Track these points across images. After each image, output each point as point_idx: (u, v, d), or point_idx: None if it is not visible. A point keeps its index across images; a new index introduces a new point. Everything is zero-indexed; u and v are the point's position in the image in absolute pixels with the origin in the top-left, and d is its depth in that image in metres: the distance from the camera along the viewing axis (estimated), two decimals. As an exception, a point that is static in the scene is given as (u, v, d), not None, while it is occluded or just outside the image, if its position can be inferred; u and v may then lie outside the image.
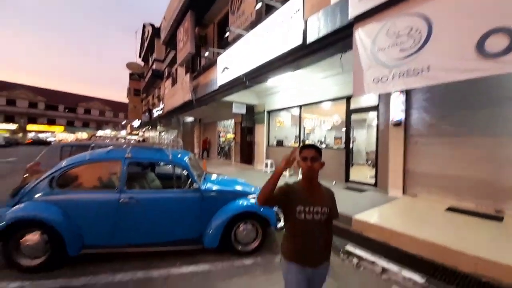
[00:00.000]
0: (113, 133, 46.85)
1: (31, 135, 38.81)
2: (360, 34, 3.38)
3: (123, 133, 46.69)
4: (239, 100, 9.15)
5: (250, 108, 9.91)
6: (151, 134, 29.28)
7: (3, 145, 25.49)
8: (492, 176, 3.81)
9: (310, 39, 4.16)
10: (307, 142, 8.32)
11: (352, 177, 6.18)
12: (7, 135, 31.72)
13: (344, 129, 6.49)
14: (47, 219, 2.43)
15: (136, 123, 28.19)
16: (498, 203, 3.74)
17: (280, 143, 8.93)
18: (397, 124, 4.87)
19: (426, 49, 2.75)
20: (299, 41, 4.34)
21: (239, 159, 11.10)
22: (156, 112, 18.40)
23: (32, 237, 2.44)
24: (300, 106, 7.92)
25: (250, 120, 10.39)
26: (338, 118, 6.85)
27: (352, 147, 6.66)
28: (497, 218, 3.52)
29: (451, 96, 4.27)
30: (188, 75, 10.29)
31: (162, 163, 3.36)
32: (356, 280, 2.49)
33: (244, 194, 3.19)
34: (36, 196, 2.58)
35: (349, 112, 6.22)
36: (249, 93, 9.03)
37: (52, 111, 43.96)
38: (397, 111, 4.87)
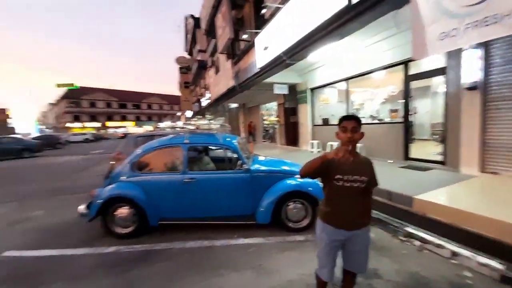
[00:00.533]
0: (171, 124, 52.54)
1: (120, 130, 46.78)
2: (419, -17, 2.85)
3: (179, 123, 51.66)
4: (280, 81, 8.98)
5: (292, 88, 9.63)
6: (202, 122, 31.59)
7: (92, 140, 31.58)
8: None
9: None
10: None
11: (413, 154, 5.52)
12: (94, 132, 38.97)
13: (401, 100, 5.73)
14: (132, 196, 3.01)
15: (189, 113, 30.77)
16: None
17: (326, 122, 8.52)
18: (472, 87, 4.05)
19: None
20: (343, 2, 3.89)
21: (284, 141, 11.11)
22: (204, 101, 19.67)
23: (123, 211, 3.09)
24: (347, 80, 7.28)
25: (292, 100, 10.14)
26: (394, 88, 6.05)
27: (412, 120, 5.84)
28: None
29: None
30: (229, 61, 10.54)
31: (214, 147, 3.67)
32: (419, 263, 2.33)
33: (291, 174, 3.26)
34: (122, 178, 3.20)
35: (407, 79, 5.43)
36: (290, 72, 8.71)
37: (123, 109, 51.70)
38: (471, 72, 4.03)
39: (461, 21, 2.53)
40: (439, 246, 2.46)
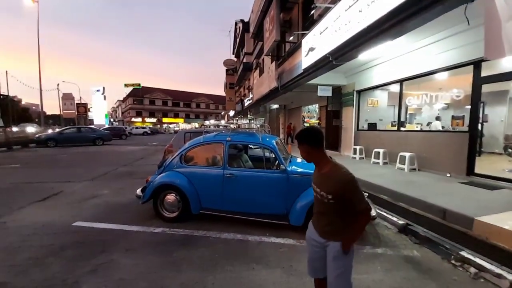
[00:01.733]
0: (215, 122, 55.83)
1: (172, 126, 52.31)
2: (498, -28, 2.45)
3: (222, 122, 54.77)
4: (325, 82, 8.70)
5: (336, 90, 9.26)
6: (243, 122, 32.71)
7: (149, 133, 35.74)
8: None
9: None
10: (408, 124, 6.93)
11: (479, 169, 4.73)
12: (151, 126, 44.09)
13: (468, 106, 4.96)
14: (179, 185, 3.36)
15: (232, 113, 32.18)
16: None
17: (372, 127, 7.91)
18: None
19: None
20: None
21: (324, 145, 10.70)
22: (246, 102, 20.32)
23: (170, 197, 3.47)
24: (401, 81, 6.63)
25: (336, 103, 9.72)
26: (459, 92, 5.27)
27: (481, 130, 5.00)
28: None
29: None
30: (273, 63, 10.67)
31: (254, 146, 3.82)
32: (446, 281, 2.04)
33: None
34: (172, 168, 3.60)
35: (478, 82, 4.67)
36: (336, 73, 8.41)
37: (176, 107, 57.22)
38: None
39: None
40: (499, 276, 2.09)
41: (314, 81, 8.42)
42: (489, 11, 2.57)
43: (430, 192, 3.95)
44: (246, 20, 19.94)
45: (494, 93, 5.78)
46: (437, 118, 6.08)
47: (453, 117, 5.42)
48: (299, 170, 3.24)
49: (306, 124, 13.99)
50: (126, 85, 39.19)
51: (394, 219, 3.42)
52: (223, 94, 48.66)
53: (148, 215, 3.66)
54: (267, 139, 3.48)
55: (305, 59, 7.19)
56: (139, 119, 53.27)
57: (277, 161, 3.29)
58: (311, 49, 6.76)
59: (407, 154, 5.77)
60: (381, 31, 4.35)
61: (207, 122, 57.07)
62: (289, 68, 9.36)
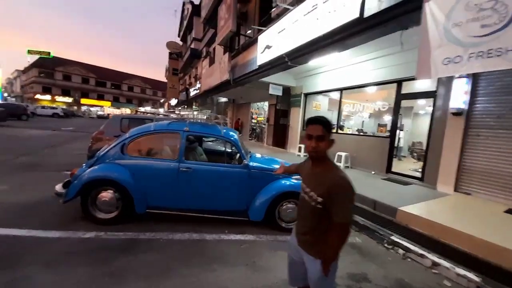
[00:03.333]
0: (152, 109, 50.45)
1: (94, 109, 43.65)
2: (432, 7, 2.99)
3: (161, 110, 49.95)
4: (276, 82, 9.02)
5: (286, 90, 9.72)
6: (187, 113, 30.73)
7: (62, 116, 29.02)
8: None
9: (369, 12, 3.76)
10: (345, 128, 7.98)
11: (394, 168, 5.84)
12: (64, 107, 35.94)
13: (389, 116, 6.04)
14: (120, 179, 2.80)
15: (173, 101, 29.70)
16: None
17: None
18: (458, 113, 4.38)
19: (514, 26, 2.35)
20: (355, 14, 3.95)
21: (271, 141, 11.17)
22: (193, 91, 19.10)
23: (107, 194, 2.86)
24: (341, 90, 7.51)
25: (285, 102, 10.23)
26: (385, 104, 6.35)
27: (399, 137, 6.19)
28: None
29: None
30: (227, 54, 10.32)
31: (214, 138, 3.55)
32: (403, 270, 2.45)
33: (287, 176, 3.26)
34: (109, 160, 2.96)
35: (399, 98, 5.73)
36: (287, 74, 8.82)
37: (101, 87, 48.34)
38: (459, 99, 4.35)
39: (466, 50, 2.70)
40: (421, 255, 2.61)
41: (266, 79, 8.60)
42: (423, 39, 3.11)
43: (362, 187, 4.61)
44: (196, 2, 18.62)
45: (403, 108, 7.24)
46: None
47: (379, 125, 6.51)
48: (261, 165, 3.19)
49: (253, 121, 14.26)
50: (30, 52, 30.47)
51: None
52: (164, 79, 44.38)
53: (70, 217, 2.95)
54: (228, 132, 3.29)
55: (261, 55, 7.21)
56: (47, 97, 42.22)
57: (238, 156, 3.16)
58: (268, 47, 6.83)
59: (343, 154, 6.59)
60: (333, 42, 4.74)
61: (142, 109, 50.92)
62: (243, 62, 9.24)
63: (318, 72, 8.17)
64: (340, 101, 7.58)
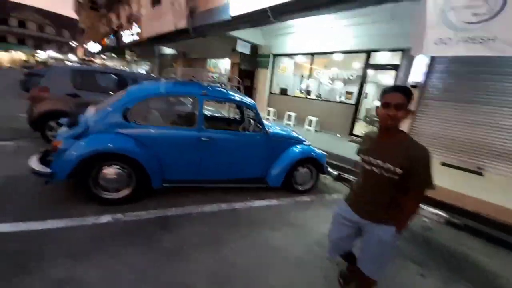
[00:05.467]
0: (58, 55, 39.04)
1: None
2: (435, -12, 3.26)
3: (71, 57, 39.15)
4: (244, 38, 8.35)
5: (253, 49, 9.18)
6: (115, 64, 25.33)
7: None
8: (481, 139, 4.69)
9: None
10: (308, 93, 8.42)
11: (355, 131, 6.80)
12: None
13: (356, 84, 6.72)
14: (132, 152, 2.32)
15: (94, 47, 23.66)
16: (480, 161, 4.73)
17: (284, 92, 8.87)
18: (415, 85, 5.26)
19: (497, 19, 2.88)
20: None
21: (233, 103, 10.82)
22: (127, 37, 15.57)
23: (112, 170, 2.36)
24: (313, 54, 7.68)
25: (251, 62, 9.75)
26: (353, 72, 6.94)
27: (361, 103, 7.02)
28: (479, 173, 4.53)
29: (468, 67, 4.68)
30: (183, -5, 8.59)
31: (234, 104, 3.23)
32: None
33: (301, 141, 3.40)
34: (108, 128, 2.36)
35: (366, 67, 6.35)
36: (256, 31, 8.24)
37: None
38: (418, 73, 5.19)
39: (456, 33, 3.17)
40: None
41: (234, 33, 7.84)
42: (421, 17, 3.43)
43: (338, 148, 5.27)
44: None
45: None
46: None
47: (346, 92, 7.16)
48: (279, 132, 3.19)
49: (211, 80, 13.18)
50: None
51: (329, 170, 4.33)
52: (72, 15, 33.73)
53: (59, 200, 2.39)
54: (248, 98, 3.05)
55: (236, 4, 6.37)
56: None
57: (257, 123, 3.05)
58: (247, -5, 6.04)
59: (314, 118, 7.13)
60: (330, 1, 4.62)
61: (42, 53, 38.62)
62: (207, 7, 7.93)
63: (289, 32, 7.94)
64: (311, 66, 7.80)
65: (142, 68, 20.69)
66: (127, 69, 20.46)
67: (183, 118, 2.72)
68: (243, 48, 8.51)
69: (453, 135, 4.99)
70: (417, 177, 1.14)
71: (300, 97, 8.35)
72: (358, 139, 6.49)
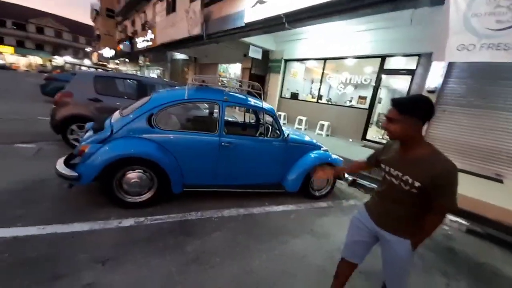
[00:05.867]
0: (73, 60, 40.54)
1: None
2: (457, -6, 3.23)
3: (86, 62, 40.61)
4: (256, 43, 8.45)
5: (264, 54, 9.27)
6: (127, 69, 26.07)
7: None
8: (499, 145, 4.53)
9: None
10: (320, 97, 8.38)
11: (368, 136, 6.71)
12: None
13: (370, 89, 6.65)
14: (155, 157, 2.37)
15: (108, 52, 24.45)
16: (499, 168, 4.57)
17: (295, 96, 8.88)
18: (432, 91, 5.17)
19: (523, 25, 2.81)
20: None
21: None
22: (141, 43, 16.04)
23: (135, 175, 2.41)
24: (325, 60, 7.67)
25: (262, 67, 9.83)
26: (367, 77, 6.87)
27: (374, 108, 6.95)
28: (499, 180, 4.37)
29: (486, 72, 4.56)
30: (198, 2, 8.80)
31: (254, 110, 3.27)
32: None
33: (317, 147, 3.39)
34: (132, 134, 2.42)
35: (380, 72, 6.29)
36: (268, 36, 8.31)
37: (-3, 26, 35.20)
38: (435, 79, 5.10)
39: (480, 40, 3.11)
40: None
41: (247, 39, 7.95)
42: (444, 23, 3.39)
43: (351, 153, 5.20)
44: None
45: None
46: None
47: (359, 97, 7.10)
48: (297, 138, 3.19)
49: (221, 85, 13.35)
50: None
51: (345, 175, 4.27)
52: (89, 22, 35.20)
53: (80, 203, 2.45)
54: (263, 102, 3.08)
55: (251, 11, 6.47)
56: None
57: (275, 129, 3.07)
58: (261, 2, 6.13)
59: (325, 123, 7.08)
60: (344, 9, 4.63)
61: (59, 59, 40.21)
62: (221, 14, 8.10)
63: (300, 38, 7.98)
64: (323, 71, 7.79)
65: (154, 73, 21.22)
66: (139, 74, 20.99)
67: (204, 123, 2.77)
68: (255, 54, 8.60)
69: (470, 141, 4.85)
70: (441, 196, 1.08)
71: (311, 101, 8.34)
72: (371, 143, 6.40)
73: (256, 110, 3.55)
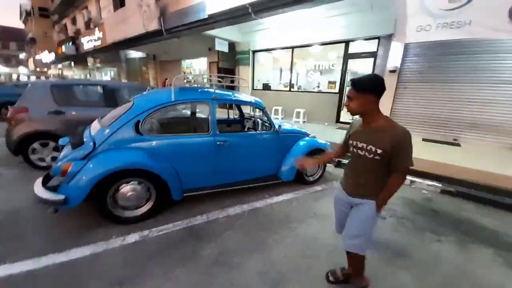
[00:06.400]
0: (7, 70, 34.83)
1: None
2: (412, -22, 3.51)
3: (22, 70, 35.13)
4: (221, 36, 8.21)
5: (230, 46, 9.07)
6: (74, 73, 23.28)
7: None
8: (455, 114, 5.22)
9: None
10: (292, 86, 8.58)
11: (342, 119, 7.13)
12: None
13: (338, 74, 7.01)
14: (150, 167, 2.22)
15: (47, 56, 21.45)
16: (456, 134, 5.27)
17: (267, 87, 8.93)
18: (393, 70, 5.67)
19: (472, 4, 3.20)
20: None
21: (216, 103, 10.63)
22: (87, 43, 14.38)
23: (129, 187, 2.24)
24: (293, 48, 7.81)
25: (229, 60, 9.65)
26: (334, 62, 7.20)
27: (344, 92, 7.37)
28: (457, 144, 5.05)
29: (438, 49, 5.15)
30: (151, -5, 8.15)
31: (244, 105, 3.20)
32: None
33: (305, 134, 3.51)
34: (118, 145, 2.22)
35: (346, 57, 6.65)
36: (232, 28, 8.13)
37: None
38: (395, 59, 5.59)
39: (435, 20, 3.47)
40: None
41: (211, 32, 7.67)
42: (402, 7, 3.68)
43: (329, 136, 5.49)
44: None
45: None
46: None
47: (329, 82, 7.43)
48: (287, 128, 3.25)
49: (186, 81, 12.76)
50: None
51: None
52: (19, 25, 30.22)
53: (70, 227, 2.22)
54: (255, 98, 3.06)
55: (213, 1, 6.21)
56: None
57: (264, 122, 3.08)
58: (223, -8, 5.92)
59: (301, 110, 7.31)
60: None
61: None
62: (179, 7, 7.62)
63: (266, 27, 7.97)
64: (292, 59, 7.94)
65: (107, 75, 19.32)
66: (89, 78, 18.93)
67: (194, 124, 2.64)
68: (221, 47, 8.37)
69: (430, 112, 5.48)
70: (398, 158, 1.25)
71: (284, 90, 8.49)
72: (345, 125, 6.82)
73: (240, 105, 3.50)
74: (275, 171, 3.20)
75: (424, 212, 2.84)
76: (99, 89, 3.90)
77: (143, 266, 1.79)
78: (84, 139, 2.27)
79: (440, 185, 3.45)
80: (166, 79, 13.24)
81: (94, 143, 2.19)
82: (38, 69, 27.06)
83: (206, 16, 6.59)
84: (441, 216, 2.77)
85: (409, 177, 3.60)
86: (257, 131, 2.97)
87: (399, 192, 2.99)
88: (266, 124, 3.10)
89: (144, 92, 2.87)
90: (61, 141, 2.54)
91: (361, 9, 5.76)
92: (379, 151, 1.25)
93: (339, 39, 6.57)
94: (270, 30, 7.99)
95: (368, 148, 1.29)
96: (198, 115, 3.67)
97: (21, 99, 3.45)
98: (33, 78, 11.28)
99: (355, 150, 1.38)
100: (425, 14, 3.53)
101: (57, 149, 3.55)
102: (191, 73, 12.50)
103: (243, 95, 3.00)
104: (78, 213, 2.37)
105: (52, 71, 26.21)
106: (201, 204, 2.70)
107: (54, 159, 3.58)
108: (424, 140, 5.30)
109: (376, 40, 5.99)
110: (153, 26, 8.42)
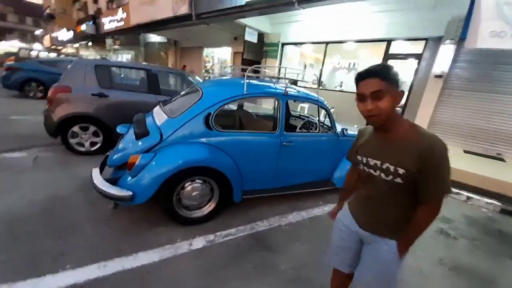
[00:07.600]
0: (23, 45, 34.79)
1: None
2: (492, -21, 3.20)
3: (37, 46, 35.08)
4: (252, 25, 7.89)
5: (258, 37, 8.74)
6: (90, 53, 23.11)
7: None
8: (502, 127, 4.91)
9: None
10: (323, 83, 8.28)
11: (373, 120, 6.84)
12: None
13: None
14: (219, 165, 2.05)
15: (64, 34, 21.26)
16: (500, 148, 4.97)
17: (294, 83, 8.61)
18: (439, 75, 5.33)
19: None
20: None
21: (237, 94, 10.40)
22: (109, 24, 14.15)
23: (194, 186, 2.07)
24: (327, 43, 7.47)
25: (255, 52, 9.30)
26: (373, 62, 6.85)
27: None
28: (500, 159, 4.77)
29: (494, 56, 4.79)
30: (183, -23, 7.82)
31: (310, 103, 2.99)
32: (446, 205, 3.18)
33: (360, 138, 3.29)
34: (188, 138, 2.04)
35: (387, 57, 6.31)
36: (262, 18, 7.78)
37: None
38: (443, 64, 5.23)
39: (511, 28, 3.16)
40: (457, 193, 3.44)
41: (242, 20, 7.37)
42: (476, 9, 3.37)
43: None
44: None
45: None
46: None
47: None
48: (347, 131, 3.04)
49: (206, 71, 12.50)
50: None
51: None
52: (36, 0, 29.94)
53: (125, 227, 2.07)
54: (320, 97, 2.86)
55: (253, -11, 5.90)
56: None
57: (322, 123, 2.89)
58: (266, -21, 5.60)
59: (332, 110, 7.03)
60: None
61: (5, 44, 33.99)
62: (213, -7, 7.30)
63: (298, 20, 7.62)
64: (324, 55, 7.61)
65: (124, 58, 19.11)
66: (108, 59, 18.79)
67: (261, 121, 2.46)
68: (251, 37, 8.06)
69: (474, 123, 5.17)
70: (430, 182, 0.85)
71: (312, 88, 8.19)
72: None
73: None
74: (329, 176, 3.01)
75: (490, 233, 2.64)
76: (142, 73, 3.71)
77: (219, 276, 1.65)
78: (149, 129, 2.09)
79: (499, 203, 3.22)
80: (185, 66, 13.00)
81: (161, 135, 2.02)
82: (53, 47, 26.95)
83: (243, 3, 6.28)
84: (509, 238, 2.57)
85: (465, 192, 3.38)
86: (319, 133, 2.76)
87: (458, 207, 2.78)
88: (326, 125, 2.89)
89: (205, 80, 2.66)
90: (119, 129, 2.38)
91: (408, 8, 5.40)
92: (400, 171, 0.88)
93: (380, 38, 6.22)
94: (303, 23, 7.64)
95: (385, 167, 0.92)
96: (249, 110, 3.49)
97: (64, 77, 3.29)
98: (52, 54, 11.16)
99: (366, 169, 1.00)
100: (501, 20, 3.22)
101: (97, 134, 3.42)
102: (209, 62, 12.23)
103: (311, 93, 2.78)
104: (126, 209, 2.22)
105: (68, 50, 26.06)
106: (257, 208, 2.54)
107: (93, 144, 3.45)
108: (465, 152, 5.03)
109: (422, 42, 5.63)
110: (183, 10, 8.13)
